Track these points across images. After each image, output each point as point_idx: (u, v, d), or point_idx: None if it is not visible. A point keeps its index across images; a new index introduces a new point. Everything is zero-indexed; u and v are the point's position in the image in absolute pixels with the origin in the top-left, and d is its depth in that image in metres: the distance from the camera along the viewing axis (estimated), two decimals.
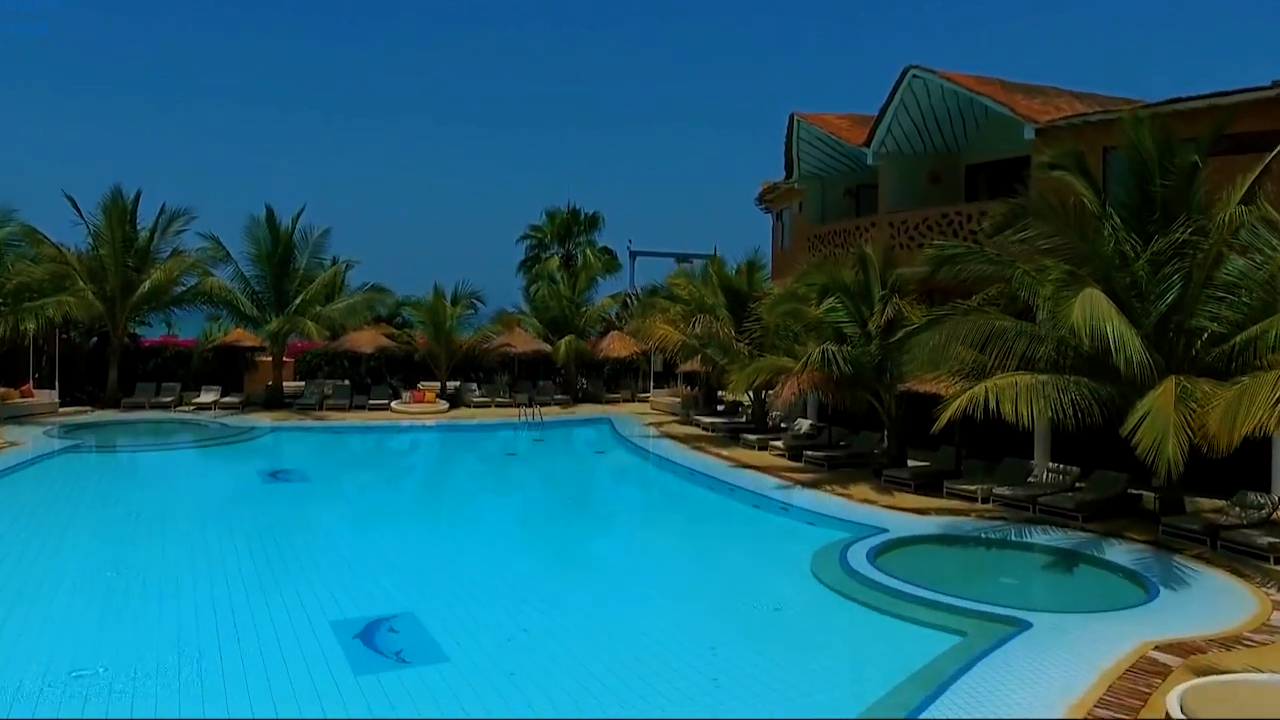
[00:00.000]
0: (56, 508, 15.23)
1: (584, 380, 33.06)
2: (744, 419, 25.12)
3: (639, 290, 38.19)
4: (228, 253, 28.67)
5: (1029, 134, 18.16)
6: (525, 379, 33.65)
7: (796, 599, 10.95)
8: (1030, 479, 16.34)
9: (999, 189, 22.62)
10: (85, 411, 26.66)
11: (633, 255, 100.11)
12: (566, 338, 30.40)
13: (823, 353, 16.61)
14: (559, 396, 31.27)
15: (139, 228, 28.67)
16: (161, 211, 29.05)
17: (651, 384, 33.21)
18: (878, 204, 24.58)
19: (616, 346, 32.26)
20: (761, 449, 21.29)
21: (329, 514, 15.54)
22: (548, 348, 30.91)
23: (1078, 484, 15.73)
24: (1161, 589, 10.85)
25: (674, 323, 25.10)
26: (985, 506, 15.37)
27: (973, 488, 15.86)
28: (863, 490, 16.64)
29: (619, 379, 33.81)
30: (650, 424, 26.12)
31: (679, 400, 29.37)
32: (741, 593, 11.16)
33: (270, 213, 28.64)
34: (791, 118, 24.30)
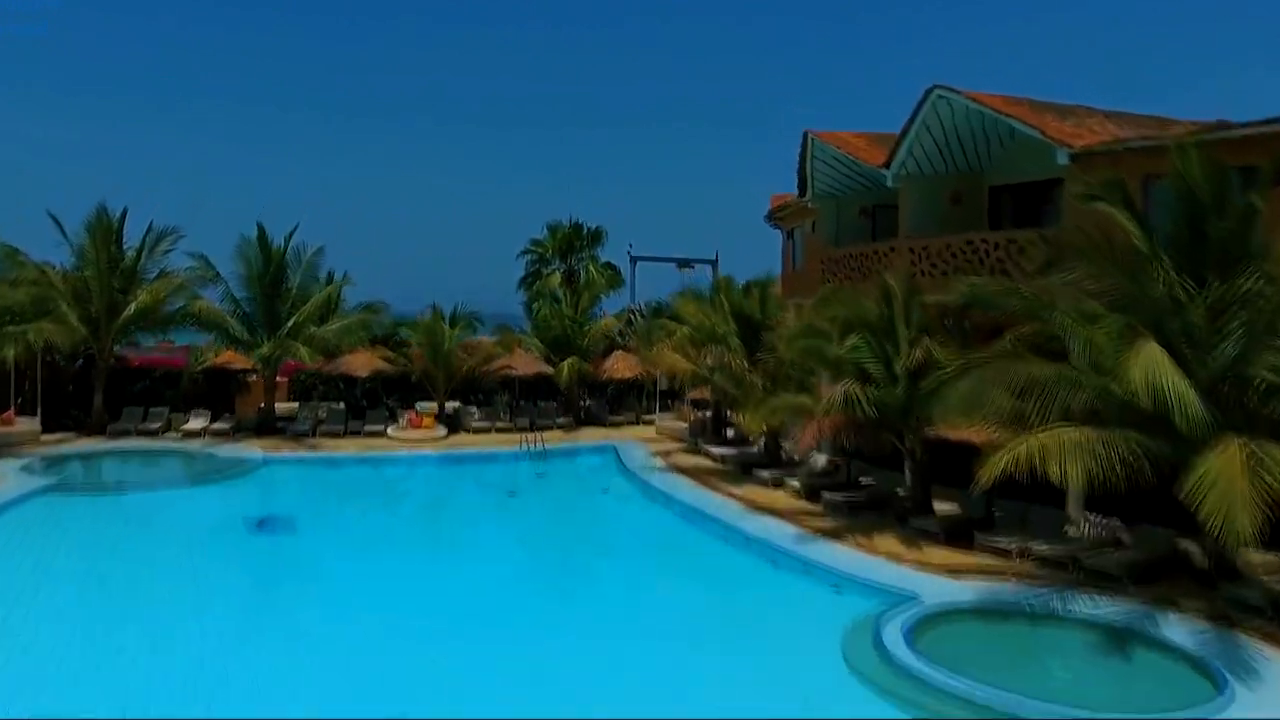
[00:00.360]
0: (17, 573, 13.99)
1: (586, 399, 31.99)
2: (755, 449, 24.04)
3: (643, 306, 37.15)
4: (217, 273, 27.63)
5: (1062, 159, 17.07)
6: (526, 399, 32.64)
7: (828, 694, 9.87)
8: (1068, 531, 15.29)
9: (1025, 212, 21.63)
10: (69, 439, 25.62)
11: (633, 260, 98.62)
12: (569, 360, 29.36)
13: (845, 395, 15.54)
14: (561, 420, 30.21)
15: (125, 247, 27.65)
16: (149, 230, 28.06)
17: (657, 405, 32.11)
18: (895, 224, 23.53)
19: (621, 367, 31.23)
20: (776, 487, 20.22)
21: (313, 583, 14.29)
22: (550, 369, 29.88)
23: (1120, 537, 14.69)
24: (1231, 680, 9.79)
25: (682, 349, 24.07)
26: (1022, 565, 14.32)
27: (1007, 542, 14.81)
28: (888, 542, 15.58)
29: (623, 399, 32.72)
30: (657, 453, 25.04)
31: (686, 425, 28.29)
32: (765, 684, 10.09)
33: (262, 231, 27.59)
34: (806, 136, 23.23)
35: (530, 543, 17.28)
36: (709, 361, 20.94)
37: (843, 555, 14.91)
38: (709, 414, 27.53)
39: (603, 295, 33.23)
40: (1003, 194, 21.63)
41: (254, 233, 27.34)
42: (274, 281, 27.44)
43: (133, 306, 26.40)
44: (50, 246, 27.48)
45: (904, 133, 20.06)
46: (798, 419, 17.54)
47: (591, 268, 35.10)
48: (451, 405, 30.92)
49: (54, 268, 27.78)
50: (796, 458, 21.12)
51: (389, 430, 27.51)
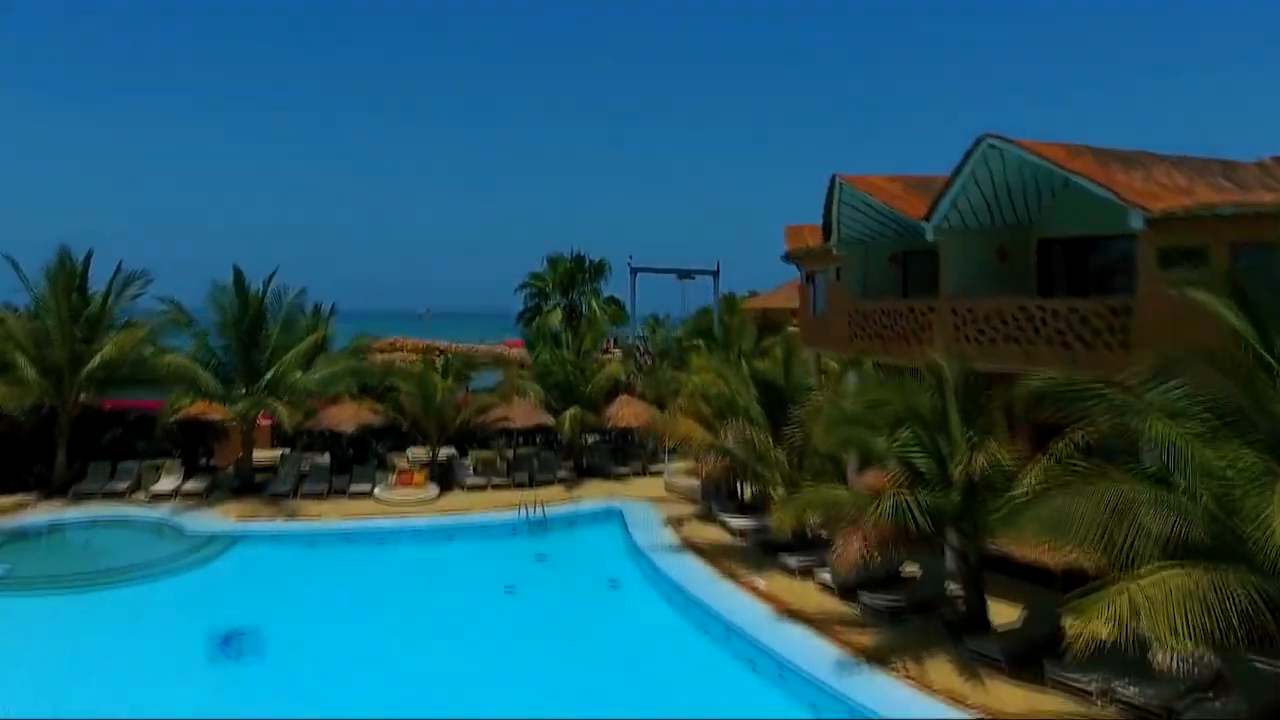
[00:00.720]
0: None
1: (589, 445, 29.83)
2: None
3: (648, 341, 35.06)
4: (190, 319, 25.53)
5: (1137, 223, 14.98)
6: (526, 440, 30.61)
7: None
8: (1155, 666, 13.20)
9: (1080, 269, 19.54)
10: (27, 504, 23.51)
11: (633, 271, 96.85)
12: (571, 410, 27.28)
13: (895, 503, 13.46)
14: (562, 472, 28.10)
15: (90, 292, 25.55)
16: (117, 272, 26.01)
17: (666, 454, 29.99)
18: (928, 272, 21.50)
19: (626, 414, 29.09)
20: (804, 576, 18.16)
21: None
22: (550, 420, 27.79)
23: (1220, 675, 12.63)
24: None
25: (696, 408, 21.99)
26: (1105, 712, 12.27)
27: (1085, 679, 12.74)
28: (943, 670, 13.53)
29: (629, 445, 30.59)
30: (668, 521, 22.93)
31: (697, 483, 26.15)
32: None
33: (238, 275, 25.49)
34: (833, 180, 21.15)
35: (528, 660, 15.03)
36: (728, 436, 18.81)
37: (894, 694, 12.83)
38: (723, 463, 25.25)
39: (608, 332, 30.99)
40: (1054, 248, 19.56)
41: (230, 279, 25.21)
42: (252, 329, 25.32)
43: (97, 359, 24.27)
44: (10, 290, 25.48)
45: (948, 185, 17.99)
46: (835, 519, 15.42)
47: (594, 303, 32.99)
48: (446, 452, 28.86)
49: (15, 312, 25.73)
50: (836, 571, 18.76)
51: (376, 490, 25.37)
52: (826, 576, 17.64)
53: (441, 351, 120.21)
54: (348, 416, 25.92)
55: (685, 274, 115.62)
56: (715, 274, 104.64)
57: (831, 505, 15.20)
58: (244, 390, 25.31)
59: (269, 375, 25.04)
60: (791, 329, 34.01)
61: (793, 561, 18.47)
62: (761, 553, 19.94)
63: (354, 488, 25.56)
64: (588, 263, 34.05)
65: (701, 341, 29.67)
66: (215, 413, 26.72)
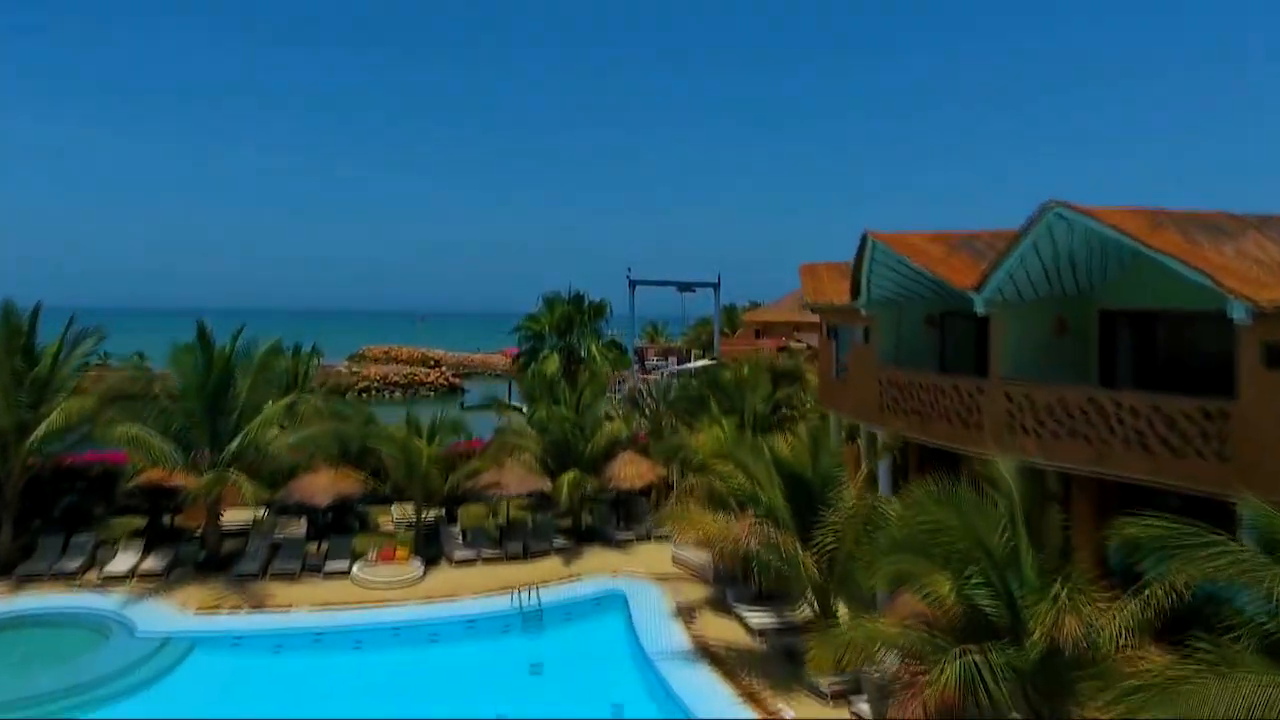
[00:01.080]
0: None
1: (588, 508, 27.46)
2: (798, 610, 19.50)
3: (652, 391, 32.67)
4: (151, 376, 23.18)
5: (1239, 314, 12.68)
6: (520, 504, 28.25)
7: None
8: None
9: (1149, 346, 17.22)
10: None
11: (632, 285, 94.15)
12: (570, 474, 24.93)
13: (962, 664, 11.14)
14: (559, 540, 25.74)
15: (38, 348, 23.18)
16: (69, 325, 23.63)
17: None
18: (968, 337, 19.35)
19: (629, 473, 26.70)
20: (837, 702, 15.84)
21: None
22: (546, 485, 25.42)
23: None
24: None
25: (709, 489, 19.69)
26: None
27: None
28: None
29: (632, 506, 28.22)
30: (678, 611, 20.58)
31: (708, 557, 23.76)
32: None
33: (202, 331, 23.10)
34: (865, 239, 18.87)
35: None
36: (750, 538, 16.45)
37: None
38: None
39: (605, 388, 28.59)
40: (1118, 321, 17.27)
41: (193, 336, 22.84)
42: (217, 392, 22.92)
43: (44, 426, 21.91)
44: None
45: (1003, 256, 15.70)
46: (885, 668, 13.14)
47: (594, 348, 30.53)
48: (433, 513, 26.48)
49: None
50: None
51: (354, 570, 22.95)
52: (865, 708, 15.33)
53: (437, 362, 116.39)
54: (323, 487, 23.48)
55: (685, 286, 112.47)
56: (716, 286, 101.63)
57: (880, 645, 12.90)
58: (209, 456, 22.92)
59: (235, 443, 22.63)
60: (809, 374, 31.70)
61: (824, 685, 16.11)
62: (786, 661, 17.61)
63: (330, 565, 23.16)
64: (586, 303, 31.59)
65: (710, 394, 27.23)
66: (179, 478, 24.36)
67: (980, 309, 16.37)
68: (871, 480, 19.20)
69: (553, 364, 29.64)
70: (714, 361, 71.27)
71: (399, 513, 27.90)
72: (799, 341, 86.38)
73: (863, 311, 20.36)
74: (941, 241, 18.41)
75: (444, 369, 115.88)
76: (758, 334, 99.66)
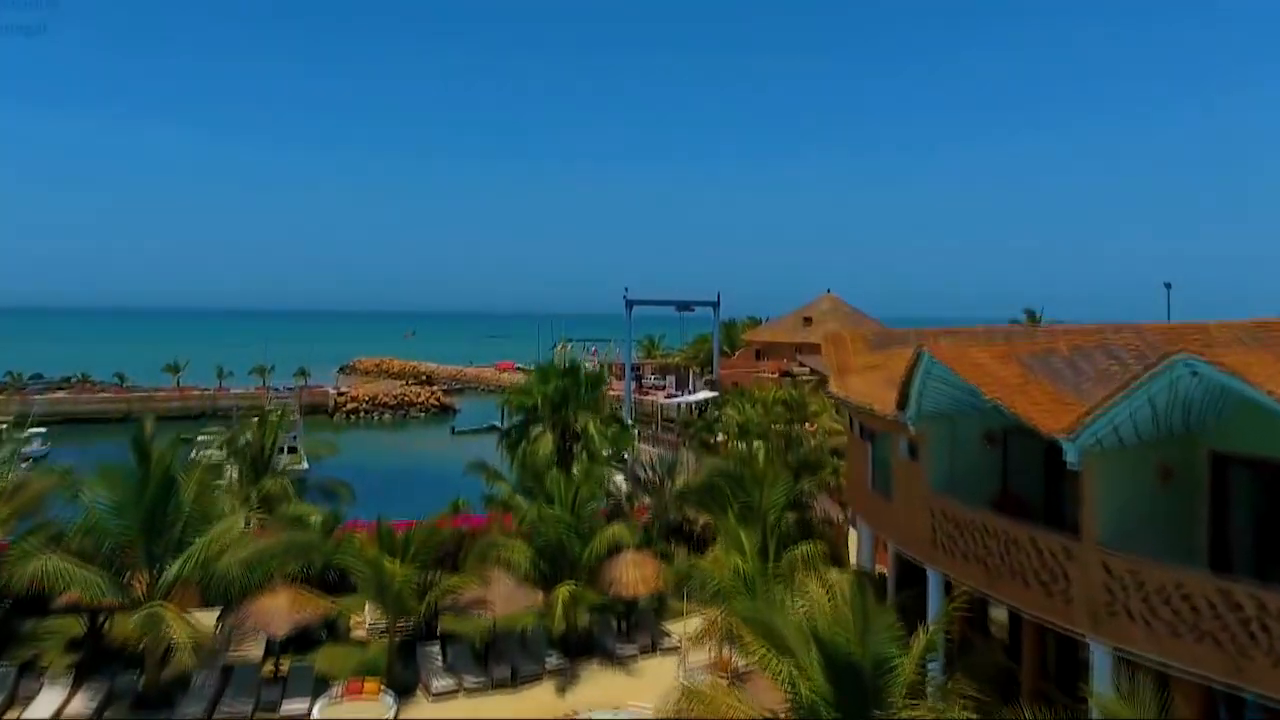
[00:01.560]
0: None
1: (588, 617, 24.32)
2: None
3: (655, 466, 29.50)
4: (77, 492, 20.02)
5: None
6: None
7: None
8: None
9: (1273, 499, 14.22)
10: None
11: (629, 305, 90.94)
12: (565, 589, 21.81)
13: None
14: (553, 658, 22.57)
15: None
16: None
17: (683, 618, 24.47)
18: (1041, 462, 16.30)
19: (632, 578, 23.61)
20: None
21: None
22: (538, 600, 22.28)
23: None
24: None
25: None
26: None
27: None
28: None
29: (634, 611, 25.07)
30: None
31: (726, 679, 20.63)
32: None
33: (141, 437, 19.92)
34: (920, 356, 15.76)
35: None
36: None
37: None
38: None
39: (604, 479, 25.40)
40: (1232, 467, 14.15)
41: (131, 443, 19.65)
42: (154, 506, 19.71)
43: None
44: None
45: (1109, 404, 12.62)
46: None
47: (592, 426, 27.34)
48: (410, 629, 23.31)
49: None
50: None
51: (315, 711, 19.79)
52: None
53: (428, 376, 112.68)
54: (281, 612, 20.26)
55: (684, 306, 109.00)
56: (715, 305, 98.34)
57: None
58: (147, 579, 19.78)
59: (176, 566, 19.46)
60: (814, 408, 28.59)
61: None
62: None
63: (288, 706, 19.99)
64: (583, 373, 28.35)
65: (723, 489, 24.01)
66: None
67: (1073, 460, 13.30)
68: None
69: (546, 445, 26.44)
70: (715, 394, 68.48)
71: (373, 615, 24.75)
72: (802, 366, 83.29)
73: (911, 429, 17.26)
74: (1014, 362, 15.24)
75: (435, 388, 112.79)
76: (758, 355, 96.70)
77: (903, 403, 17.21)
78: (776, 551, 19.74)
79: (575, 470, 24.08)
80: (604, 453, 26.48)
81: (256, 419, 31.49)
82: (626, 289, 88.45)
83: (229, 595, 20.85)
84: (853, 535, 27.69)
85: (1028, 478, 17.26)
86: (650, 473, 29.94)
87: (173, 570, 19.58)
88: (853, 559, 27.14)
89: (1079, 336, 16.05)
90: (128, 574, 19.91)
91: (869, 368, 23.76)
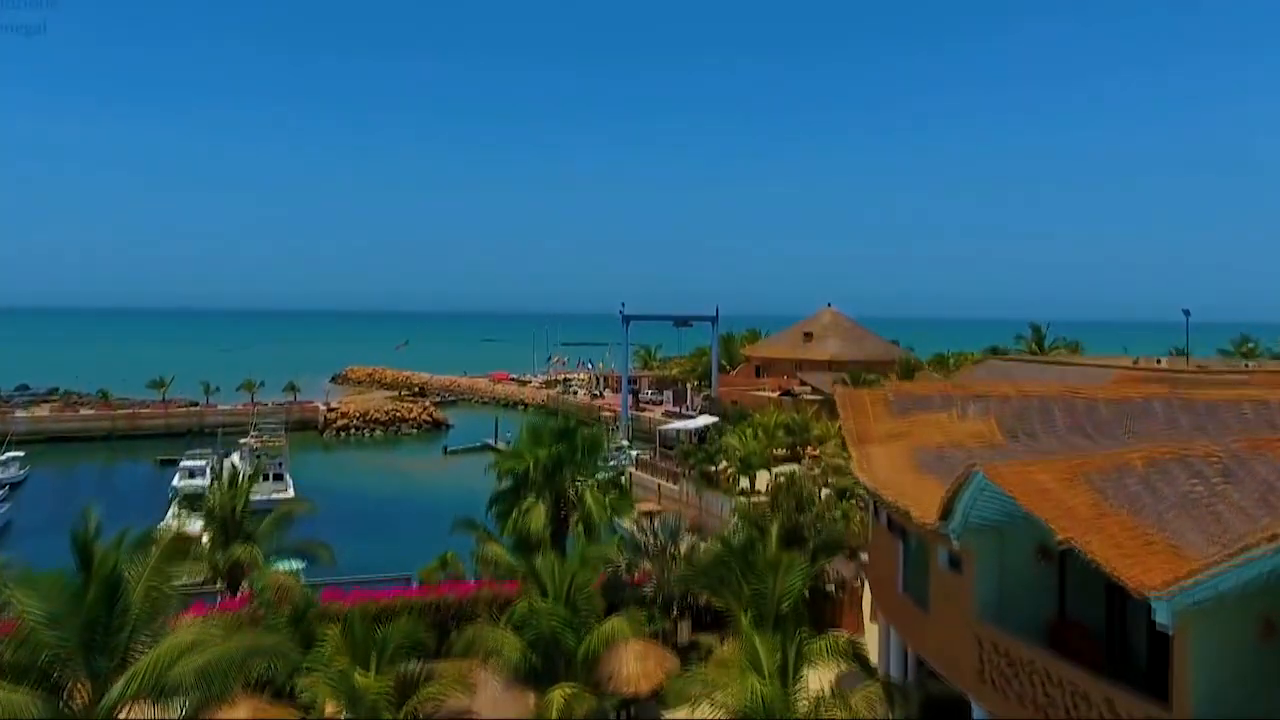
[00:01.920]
0: None
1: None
2: None
3: (657, 530, 27.30)
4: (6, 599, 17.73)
5: None
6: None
7: None
8: None
9: None
10: None
11: (626, 320, 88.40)
12: (559, 692, 19.59)
13: None
14: None
15: None
16: None
17: (689, 711, 22.27)
18: (1105, 585, 14.17)
19: (634, 671, 21.43)
20: None
21: None
22: (529, 703, 20.09)
23: None
24: None
25: None
26: None
27: None
28: None
29: (635, 707, 22.90)
30: None
31: None
32: None
33: (82, 540, 17.68)
34: (971, 476, 13.58)
35: None
36: None
37: None
38: None
39: (604, 563, 23.16)
40: None
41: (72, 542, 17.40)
42: (95, 619, 17.46)
43: None
44: None
45: (1213, 570, 10.45)
46: None
47: (589, 495, 25.10)
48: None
49: None
50: None
51: None
52: None
53: (421, 387, 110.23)
54: None
55: (682, 321, 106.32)
56: (714, 320, 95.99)
57: None
58: (87, 696, 17.53)
59: (119, 686, 17.21)
60: (815, 428, 26.41)
61: None
62: None
63: None
64: (580, 438, 26.00)
65: (733, 568, 21.84)
66: None
67: (1167, 621, 11.14)
68: None
69: (538, 517, 24.17)
70: (715, 419, 66.26)
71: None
72: (803, 385, 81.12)
73: (954, 542, 15.09)
74: (1082, 484, 13.04)
75: (427, 401, 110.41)
76: (758, 371, 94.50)
77: (946, 513, 15.03)
78: (796, 664, 17.59)
79: (571, 552, 21.87)
80: (602, 525, 24.25)
81: (228, 479, 29.23)
82: (623, 304, 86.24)
83: (182, 709, 18.61)
84: (866, 595, 25.58)
85: (1087, 598, 15.13)
86: (651, 537, 27.75)
87: (116, 690, 17.32)
88: (868, 631, 25.05)
89: (1153, 447, 13.85)
90: (67, 687, 17.66)
91: (892, 436, 21.67)
